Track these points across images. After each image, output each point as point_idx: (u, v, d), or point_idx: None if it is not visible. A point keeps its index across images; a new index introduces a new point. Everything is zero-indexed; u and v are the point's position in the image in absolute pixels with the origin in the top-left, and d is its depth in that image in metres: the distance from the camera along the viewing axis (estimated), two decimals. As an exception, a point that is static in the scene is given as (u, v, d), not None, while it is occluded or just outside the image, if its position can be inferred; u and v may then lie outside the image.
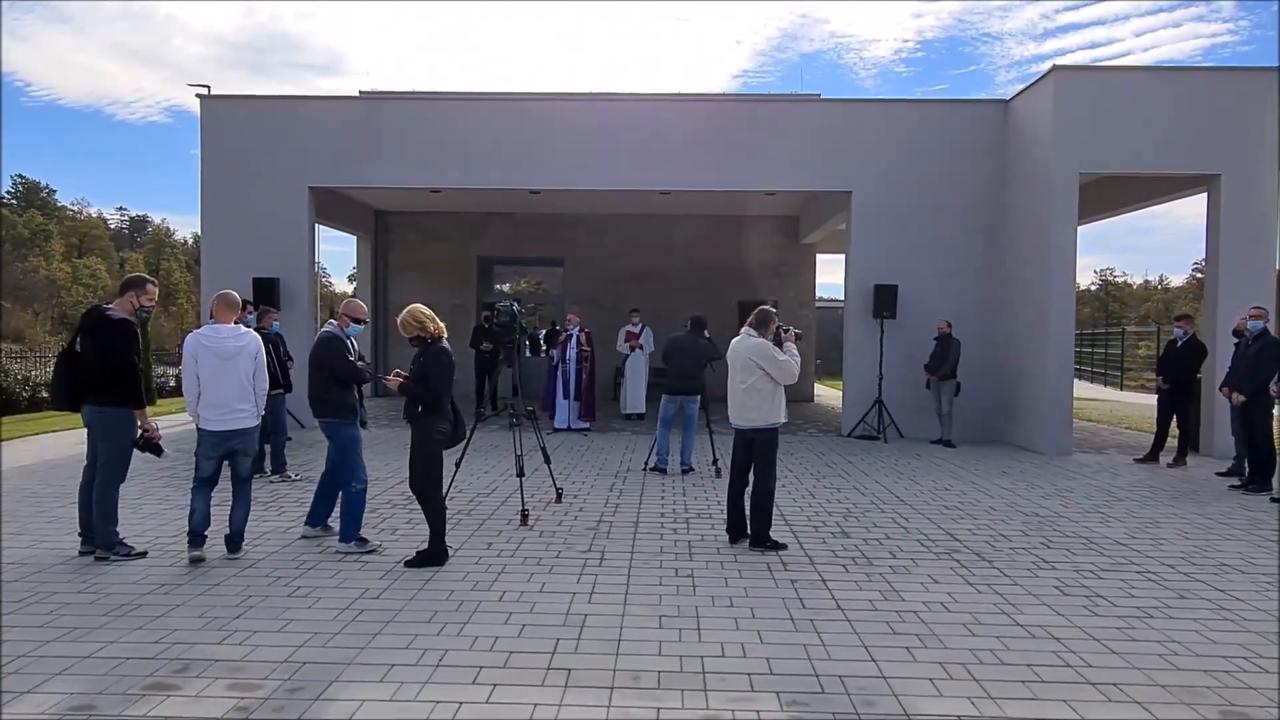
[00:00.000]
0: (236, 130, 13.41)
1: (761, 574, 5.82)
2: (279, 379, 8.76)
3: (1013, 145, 12.82)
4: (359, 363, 6.19)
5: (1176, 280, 62.61)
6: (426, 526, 5.94)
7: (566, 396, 12.94)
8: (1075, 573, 5.97)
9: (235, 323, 6.00)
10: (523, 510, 7.14)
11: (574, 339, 13.06)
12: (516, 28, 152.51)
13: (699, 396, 9.64)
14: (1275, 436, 9.21)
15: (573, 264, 19.37)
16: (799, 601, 5.24)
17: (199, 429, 5.87)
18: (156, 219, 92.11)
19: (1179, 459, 10.68)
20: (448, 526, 6.05)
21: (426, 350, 5.84)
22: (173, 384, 18.66)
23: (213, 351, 5.77)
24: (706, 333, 9.79)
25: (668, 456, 9.73)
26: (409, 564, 5.83)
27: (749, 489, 6.53)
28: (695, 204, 17.25)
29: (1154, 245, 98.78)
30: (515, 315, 7.49)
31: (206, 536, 5.87)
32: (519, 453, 7.30)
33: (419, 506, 6.00)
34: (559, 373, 13.01)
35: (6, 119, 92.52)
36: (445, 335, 5.90)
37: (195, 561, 5.75)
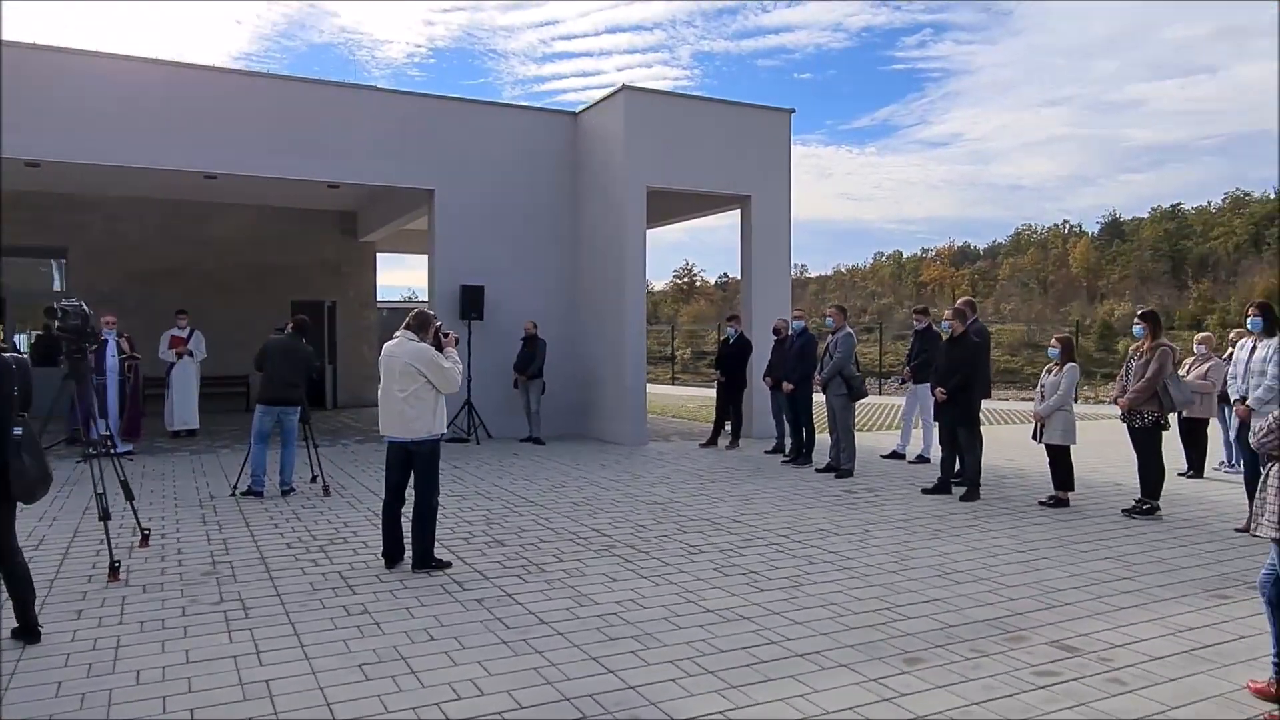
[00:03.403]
0: None
1: (441, 598, 5.35)
2: None
3: (586, 156, 13.55)
4: None
5: (660, 285, 73.95)
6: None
7: (105, 415, 10.62)
8: (720, 553, 6.47)
9: None
10: (112, 562, 5.68)
11: (111, 345, 10.80)
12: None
13: (300, 407, 8.62)
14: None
15: (81, 255, 16.03)
16: (499, 622, 4.91)
17: None
18: None
19: (734, 441, 12.27)
20: None
21: None
22: None
23: None
24: (305, 338, 8.80)
25: (264, 477, 8.52)
26: (-30, 657, 4.28)
27: (406, 507, 6.00)
28: (240, 192, 15.35)
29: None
30: (87, 316, 5.90)
31: None
32: (100, 490, 5.78)
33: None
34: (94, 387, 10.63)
35: None
36: None
37: None
